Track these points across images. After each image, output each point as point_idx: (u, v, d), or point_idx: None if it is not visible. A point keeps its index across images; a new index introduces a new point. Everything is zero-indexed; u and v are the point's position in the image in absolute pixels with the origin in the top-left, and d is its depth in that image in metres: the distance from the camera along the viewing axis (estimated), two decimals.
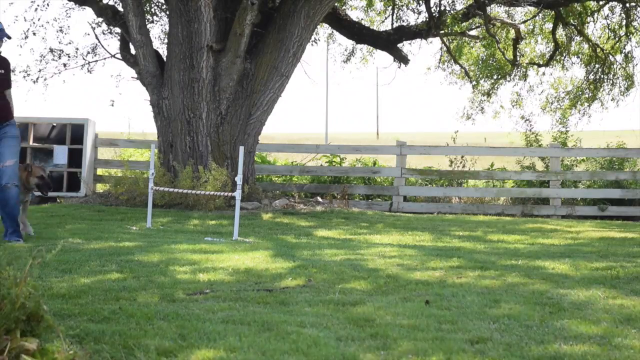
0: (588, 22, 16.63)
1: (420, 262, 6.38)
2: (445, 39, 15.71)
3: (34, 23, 14.87)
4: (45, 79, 14.92)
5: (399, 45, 15.36)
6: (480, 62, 17.80)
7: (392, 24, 15.93)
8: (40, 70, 14.86)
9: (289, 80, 12.44)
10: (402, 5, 16.03)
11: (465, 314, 4.29)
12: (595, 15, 16.60)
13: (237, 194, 8.35)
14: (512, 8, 16.25)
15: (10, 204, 7.29)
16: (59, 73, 14.93)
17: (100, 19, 14.18)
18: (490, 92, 17.90)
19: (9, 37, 7.46)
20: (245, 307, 4.45)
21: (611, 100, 17.14)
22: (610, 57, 16.73)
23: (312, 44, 15.25)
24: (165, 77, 12.23)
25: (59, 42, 15.80)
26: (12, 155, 7.36)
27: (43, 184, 7.93)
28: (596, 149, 14.37)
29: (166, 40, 13.19)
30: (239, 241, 7.71)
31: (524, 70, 17.39)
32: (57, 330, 3.14)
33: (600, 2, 16.27)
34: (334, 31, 16.05)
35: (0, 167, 7.24)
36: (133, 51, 12.98)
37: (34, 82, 14.84)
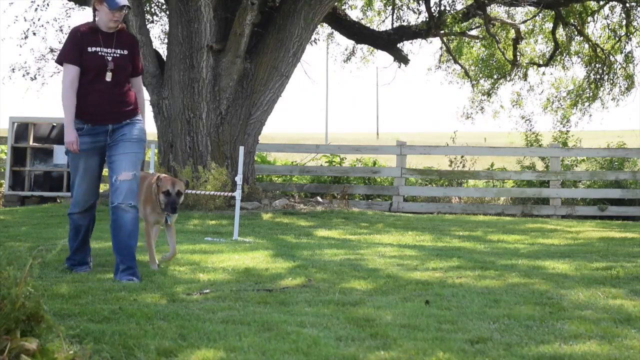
0: (588, 22, 16.62)
1: (420, 262, 6.37)
2: (445, 38, 15.70)
3: (34, 23, 14.85)
4: (43, 77, 14.92)
5: (399, 45, 15.34)
6: (480, 62, 17.78)
7: (392, 23, 15.92)
8: (39, 69, 14.86)
9: (289, 80, 12.43)
10: (402, 5, 16.02)
11: (465, 314, 4.29)
12: (596, 15, 16.59)
13: (237, 194, 8.35)
14: (512, 8, 16.24)
15: (124, 231, 5.37)
16: (58, 72, 14.92)
17: None
18: (490, 91, 17.90)
19: (129, 7, 5.55)
20: (245, 307, 4.45)
21: (612, 100, 17.14)
22: (611, 57, 16.72)
23: (312, 44, 15.24)
24: (165, 77, 12.22)
25: (59, 42, 15.79)
26: (131, 165, 5.42)
27: (168, 201, 5.72)
28: (596, 149, 14.37)
29: (166, 40, 13.19)
30: (239, 241, 7.71)
31: (524, 70, 17.38)
32: (57, 330, 3.14)
33: (601, 2, 16.26)
34: (334, 31, 16.04)
35: (113, 180, 5.41)
36: None
37: (32, 79, 14.83)
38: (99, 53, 5.37)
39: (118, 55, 5.42)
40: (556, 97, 18.05)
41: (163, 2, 14.79)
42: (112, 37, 5.44)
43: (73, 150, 5.34)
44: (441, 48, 16.97)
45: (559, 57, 17.05)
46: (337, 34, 16.18)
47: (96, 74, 5.35)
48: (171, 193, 5.70)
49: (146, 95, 12.77)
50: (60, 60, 5.41)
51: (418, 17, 15.71)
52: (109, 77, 5.36)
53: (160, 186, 5.73)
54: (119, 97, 5.45)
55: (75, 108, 5.34)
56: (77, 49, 5.35)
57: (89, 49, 5.35)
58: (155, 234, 6.17)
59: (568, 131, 16.07)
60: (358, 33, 15.09)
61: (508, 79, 17.52)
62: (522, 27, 16.90)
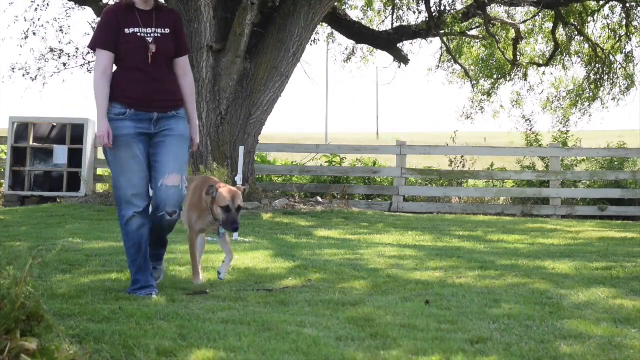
0: (588, 22, 16.63)
1: (420, 262, 6.38)
2: (445, 38, 15.71)
3: (34, 23, 14.87)
4: (44, 77, 14.92)
5: (399, 45, 15.35)
6: (480, 62, 17.80)
7: (392, 23, 15.93)
8: (39, 69, 14.87)
9: (289, 80, 12.44)
10: (402, 5, 16.03)
11: (465, 314, 4.29)
12: (596, 15, 16.60)
13: None
14: (512, 8, 16.25)
15: (163, 233, 4.96)
16: (58, 72, 14.92)
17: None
18: (490, 91, 17.91)
19: None
20: (245, 307, 4.45)
21: (612, 99, 17.15)
22: (611, 57, 16.73)
23: (312, 44, 15.25)
24: None
25: (59, 42, 15.81)
26: (179, 166, 4.76)
27: (227, 219, 4.96)
28: (596, 149, 14.38)
29: None
30: (239, 241, 7.71)
31: (524, 70, 17.39)
32: (57, 330, 3.14)
33: (601, 2, 16.27)
34: (334, 31, 16.05)
35: (159, 184, 4.72)
36: None
37: (33, 79, 14.83)
38: (139, 34, 4.75)
39: (159, 35, 4.80)
40: (556, 97, 18.07)
41: (163, 2, 14.77)
42: (151, 15, 4.82)
43: (105, 144, 4.67)
44: (441, 48, 16.98)
45: (559, 57, 17.07)
46: (337, 34, 16.20)
47: (137, 57, 4.74)
48: (231, 209, 4.92)
49: None
50: (92, 46, 4.79)
51: (418, 17, 15.73)
52: (151, 60, 4.75)
53: (217, 199, 4.92)
54: (163, 83, 4.83)
55: (117, 92, 4.72)
56: (111, 32, 4.73)
57: (127, 30, 4.74)
58: (202, 248, 5.41)
59: (568, 131, 16.08)
60: (358, 33, 15.10)
61: (508, 79, 17.53)
62: (522, 27, 16.91)
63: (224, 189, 4.96)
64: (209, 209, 5.01)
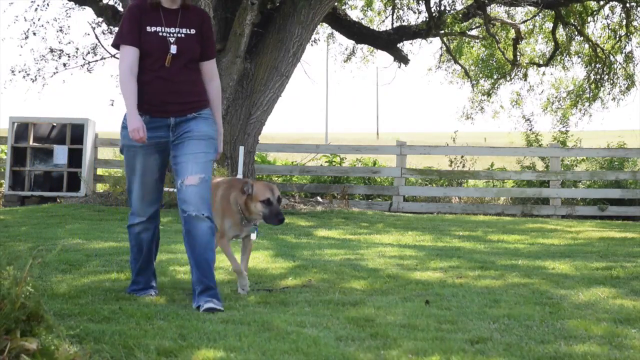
0: (588, 22, 16.63)
1: (420, 262, 6.38)
2: (445, 38, 15.71)
3: (34, 23, 14.87)
4: (44, 78, 14.93)
5: (399, 45, 15.35)
6: (480, 62, 17.80)
7: (392, 23, 15.93)
8: (39, 70, 14.88)
9: (289, 80, 12.44)
10: (402, 5, 16.03)
11: (465, 314, 4.29)
12: (596, 15, 16.60)
13: None
14: (512, 8, 16.25)
15: (201, 243, 4.44)
16: (56, 72, 14.92)
17: (100, 19, 14.18)
18: (490, 91, 17.92)
19: None
20: (245, 307, 4.46)
21: (612, 99, 17.16)
22: (611, 57, 16.73)
23: (312, 44, 15.24)
24: None
25: (59, 42, 15.82)
26: (198, 167, 4.48)
27: (271, 211, 4.75)
28: (596, 149, 14.38)
29: None
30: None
31: (524, 70, 17.39)
32: (57, 330, 3.14)
33: (601, 2, 16.27)
34: (334, 31, 16.05)
35: (179, 185, 4.49)
36: None
37: (33, 80, 14.84)
38: (160, 34, 4.49)
39: (183, 35, 4.52)
40: (556, 97, 18.07)
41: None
42: (176, 14, 4.55)
43: (139, 139, 4.37)
44: (441, 48, 16.99)
45: (559, 57, 17.07)
46: (337, 34, 16.19)
47: (156, 58, 4.47)
48: (272, 201, 4.70)
49: None
50: (116, 43, 4.54)
51: (418, 17, 15.73)
52: (170, 62, 4.47)
53: (255, 194, 4.69)
54: (183, 85, 4.52)
55: None
56: (135, 27, 4.47)
57: (148, 29, 4.48)
58: (248, 250, 5.17)
59: (567, 131, 16.08)
60: (358, 33, 15.09)
61: (508, 79, 17.54)
62: (522, 27, 16.91)
63: (260, 184, 4.81)
64: (240, 211, 4.80)
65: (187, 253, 4.52)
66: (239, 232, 4.93)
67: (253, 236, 5.04)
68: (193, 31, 4.56)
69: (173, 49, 4.49)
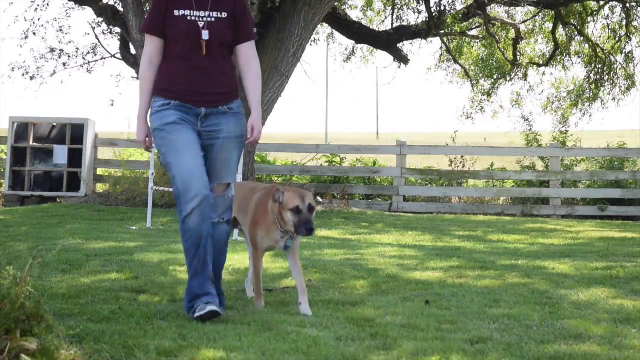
0: (588, 22, 16.63)
1: (420, 262, 6.38)
2: (445, 38, 15.71)
3: (34, 23, 14.87)
4: (42, 77, 14.93)
5: (399, 45, 15.35)
6: (480, 62, 17.80)
7: (392, 23, 15.93)
8: (38, 68, 14.87)
9: (289, 80, 12.43)
10: (402, 5, 16.03)
11: (465, 314, 4.29)
12: (596, 15, 16.60)
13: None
14: (512, 8, 16.25)
15: (215, 249, 4.25)
16: (55, 72, 14.91)
17: (100, 19, 14.19)
18: (490, 91, 17.92)
19: None
20: (245, 307, 4.46)
21: (612, 99, 17.16)
22: (611, 57, 16.73)
23: (312, 44, 15.24)
24: None
25: (59, 42, 15.82)
26: (230, 173, 4.27)
27: (300, 220, 4.28)
28: (596, 149, 14.38)
29: None
30: (238, 241, 7.71)
31: (524, 70, 17.40)
32: (57, 330, 3.14)
33: (601, 2, 16.27)
34: (334, 31, 16.04)
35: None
36: (133, 51, 12.98)
37: (32, 78, 14.83)
38: (189, 18, 4.14)
39: (214, 19, 4.16)
40: (556, 97, 18.07)
41: None
42: None
43: (145, 148, 4.24)
44: (441, 48, 16.99)
45: (559, 57, 17.07)
46: (337, 34, 16.19)
47: (185, 44, 4.13)
48: (302, 209, 4.28)
49: None
50: (140, 31, 4.29)
51: (418, 17, 15.72)
52: (201, 49, 4.12)
53: (285, 202, 4.31)
54: (214, 75, 4.20)
55: (160, 85, 4.17)
56: (159, 14, 4.15)
57: (176, 12, 4.14)
58: (299, 272, 4.51)
59: (567, 131, 16.08)
60: (358, 33, 15.09)
61: (508, 79, 17.54)
62: (522, 27, 16.91)
63: (290, 191, 4.38)
64: (277, 222, 4.38)
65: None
66: (274, 244, 4.49)
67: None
68: (225, 15, 4.20)
69: (205, 35, 4.11)
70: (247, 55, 4.32)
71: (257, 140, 4.29)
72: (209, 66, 4.16)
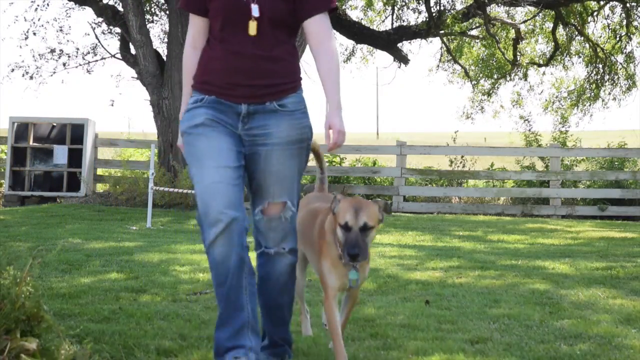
0: (588, 22, 16.64)
1: (420, 262, 6.38)
2: (445, 38, 15.72)
3: (34, 23, 14.89)
4: (42, 76, 14.93)
5: (399, 45, 15.36)
6: (480, 62, 17.81)
7: (392, 23, 15.94)
8: (38, 68, 14.88)
9: None
10: (402, 5, 16.04)
11: (465, 314, 4.29)
12: (596, 15, 16.61)
13: None
14: (512, 8, 16.26)
15: (274, 283, 3.28)
16: (54, 72, 14.92)
17: (100, 19, 14.20)
18: (491, 91, 17.92)
19: None
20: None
21: (612, 99, 17.17)
22: (612, 57, 16.74)
23: None
24: (165, 77, 12.22)
25: (59, 42, 15.83)
26: (285, 190, 3.24)
27: (346, 240, 3.12)
28: (596, 149, 14.37)
29: (166, 40, 13.19)
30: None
31: (524, 70, 17.40)
32: (57, 330, 3.14)
33: (601, 2, 16.28)
34: (334, 31, 16.04)
35: (256, 212, 3.25)
36: (133, 51, 12.99)
37: (31, 77, 14.84)
38: None
39: None
40: (556, 97, 18.08)
41: (163, 2, 14.80)
42: None
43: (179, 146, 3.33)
44: (441, 48, 17.00)
45: (559, 57, 17.08)
46: (337, 34, 16.19)
47: (229, 24, 3.14)
48: (351, 227, 3.13)
49: (146, 95, 12.80)
50: (180, 5, 3.32)
51: (418, 17, 15.74)
52: (251, 29, 3.11)
53: (337, 216, 3.18)
54: (259, 61, 3.13)
55: (197, 75, 3.24)
56: None
57: None
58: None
59: (567, 131, 16.08)
60: (358, 33, 15.10)
61: (508, 79, 17.55)
62: (522, 27, 16.92)
63: (346, 201, 3.21)
64: (336, 245, 3.22)
65: (257, 293, 3.20)
66: (345, 279, 3.24)
67: (359, 276, 3.27)
68: None
69: (255, 10, 3.10)
70: (317, 31, 3.20)
71: (339, 145, 3.16)
72: (254, 50, 3.13)
